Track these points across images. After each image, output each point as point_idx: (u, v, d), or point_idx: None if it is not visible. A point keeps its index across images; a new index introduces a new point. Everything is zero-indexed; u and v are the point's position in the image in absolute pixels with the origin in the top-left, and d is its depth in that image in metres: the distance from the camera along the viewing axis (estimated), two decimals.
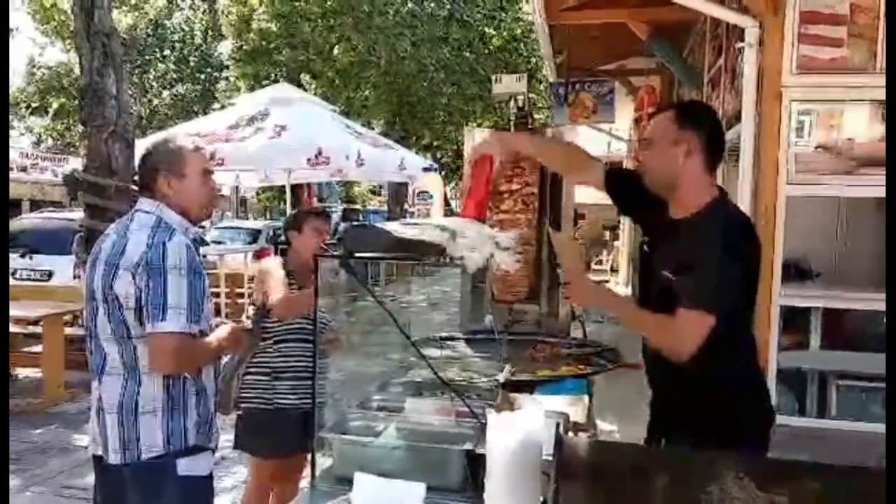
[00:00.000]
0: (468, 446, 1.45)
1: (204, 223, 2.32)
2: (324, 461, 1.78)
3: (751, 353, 2.00)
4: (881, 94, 4.10)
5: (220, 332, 2.07)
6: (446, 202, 17.70)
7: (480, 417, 1.47)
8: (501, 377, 2.00)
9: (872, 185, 4.13)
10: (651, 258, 2.00)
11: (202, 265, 1.97)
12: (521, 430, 1.16)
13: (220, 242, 12.26)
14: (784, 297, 4.21)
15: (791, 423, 4.08)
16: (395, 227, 1.55)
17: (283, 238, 3.07)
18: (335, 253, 1.61)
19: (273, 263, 2.87)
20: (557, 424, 1.20)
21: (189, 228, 2.01)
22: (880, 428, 4.09)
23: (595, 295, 1.93)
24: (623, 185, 2.14)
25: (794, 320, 4.53)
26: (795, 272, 4.60)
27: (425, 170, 10.34)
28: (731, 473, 0.92)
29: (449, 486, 1.45)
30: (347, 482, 1.42)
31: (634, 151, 11.46)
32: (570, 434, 1.58)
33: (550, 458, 1.15)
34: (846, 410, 4.43)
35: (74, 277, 7.42)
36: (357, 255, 1.50)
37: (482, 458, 1.27)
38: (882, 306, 4.38)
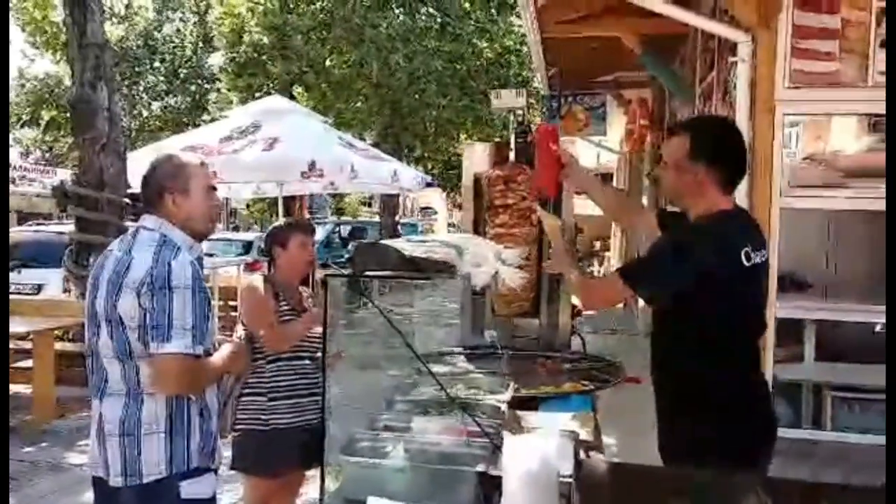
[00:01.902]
0: (481, 468, 1.43)
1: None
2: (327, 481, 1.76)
3: (745, 363, 2.02)
4: (873, 108, 4.15)
5: (223, 351, 2.05)
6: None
7: (493, 438, 1.45)
8: (507, 395, 1.99)
9: (865, 198, 4.18)
10: None
11: (206, 283, 1.95)
12: (538, 452, 1.15)
13: (211, 254, 12.20)
14: (780, 308, 4.23)
15: (786, 435, 4.09)
16: (404, 245, 1.54)
17: (266, 253, 2.94)
18: (344, 272, 1.59)
19: (259, 282, 2.78)
20: (577, 450, 1.19)
21: (193, 246, 1.99)
22: (876, 440, 4.11)
23: (565, 267, 2.17)
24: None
25: (789, 332, 4.56)
26: (789, 284, 4.63)
27: (428, 185, 10.34)
28: (754, 496, 0.92)
29: None
30: None
31: (625, 160, 11.51)
32: (581, 453, 1.57)
33: (566, 480, 1.15)
34: (841, 422, 4.45)
35: (64, 291, 7.36)
36: (367, 273, 1.49)
37: (495, 479, 1.26)
38: (875, 318, 4.43)
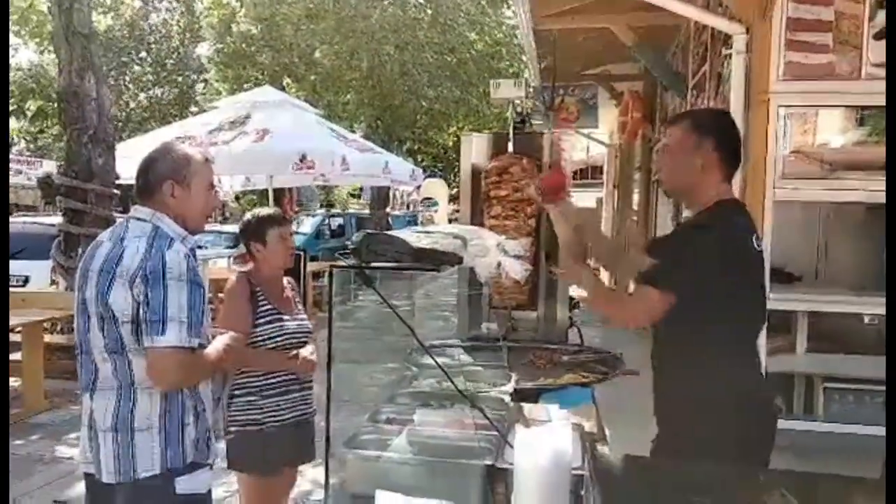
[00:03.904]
0: (488, 461, 1.42)
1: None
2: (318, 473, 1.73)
3: (753, 355, 2.02)
4: (866, 100, 4.16)
5: (218, 343, 2.00)
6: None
7: (501, 430, 1.44)
8: (509, 387, 1.97)
9: (857, 190, 4.20)
10: None
11: (200, 275, 1.90)
12: (551, 446, 1.13)
13: (200, 247, 12.09)
14: (771, 300, 4.23)
15: (779, 426, 4.11)
16: (409, 236, 1.51)
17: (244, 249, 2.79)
18: (349, 263, 1.56)
19: (238, 282, 2.67)
20: (594, 445, 1.18)
21: (186, 237, 1.94)
22: (868, 430, 4.15)
23: (585, 278, 2.05)
24: None
25: (780, 324, 4.58)
26: (780, 276, 4.65)
27: (429, 176, 10.29)
28: (776, 491, 0.91)
29: (470, 503, 1.41)
30: (363, 499, 1.38)
31: (616, 152, 11.51)
32: (587, 445, 1.55)
33: (577, 473, 1.13)
34: (833, 413, 4.48)
35: (52, 283, 7.27)
36: (373, 264, 1.46)
37: (502, 472, 1.24)
38: (866, 308, 4.46)
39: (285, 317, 2.69)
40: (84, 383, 1.92)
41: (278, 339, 2.64)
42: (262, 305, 2.64)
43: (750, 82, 4.24)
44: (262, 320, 2.63)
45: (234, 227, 15.22)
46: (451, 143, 22.87)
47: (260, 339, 2.62)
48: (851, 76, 4.11)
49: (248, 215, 2.82)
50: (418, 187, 14.05)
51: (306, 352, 2.68)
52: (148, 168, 1.96)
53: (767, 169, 4.21)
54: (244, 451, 2.62)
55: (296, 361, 2.63)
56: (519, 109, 2.87)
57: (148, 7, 22.97)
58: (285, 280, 2.82)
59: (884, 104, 3.67)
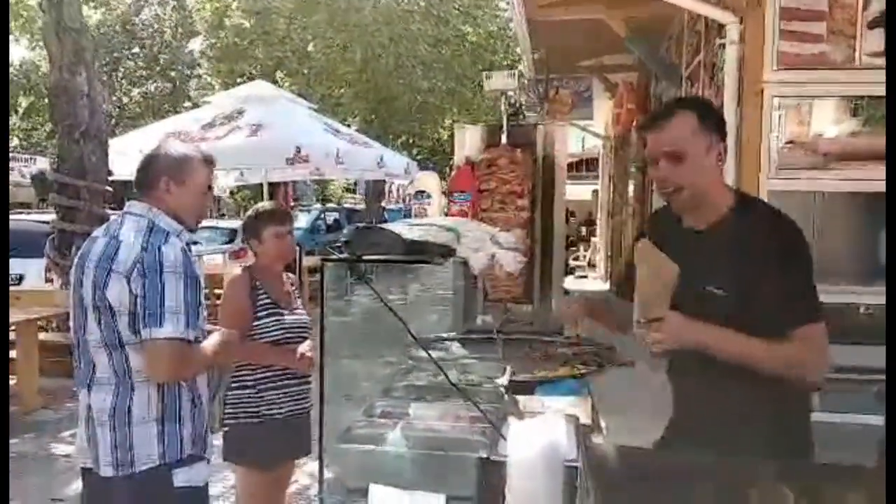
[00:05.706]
0: (483, 453, 1.41)
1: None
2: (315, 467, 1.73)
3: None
4: (860, 90, 4.16)
5: (213, 338, 2.01)
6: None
7: (496, 423, 1.43)
8: (504, 379, 1.97)
9: (852, 180, 4.21)
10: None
11: (196, 269, 1.91)
12: (544, 438, 1.13)
13: (196, 243, 12.02)
14: None
15: None
16: (402, 229, 1.51)
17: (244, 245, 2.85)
18: (342, 256, 1.56)
19: (239, 275, 2.70)
20: (588, 435, 1.18)
21: (181, 233, 1.95)
22: (863, 419, 4.16)
23: (692, 329, 1.60)
24: None
25: None
26: None
27: (423, 169, 10.28)
28: (773, 480, 0.90)
29: (464, 496, 1.41)
30: (358, 493, 1.38)
31: (611, 146, 11.49)
32: (581, 436, 1.55)
33: (571, 464, 1.13)
34: (829, 403, 4.48)
35: (46, 281, 7.25)
36: (366, 257, 1.46)
37: (496, 465, 1.24)
38: (862, 299, 4.48)
39: (284, 311, 2.70)
40: (81, 377, 1.94)
41: (276, 333, 2.66)
42: (262, 300, 2.66)
43: (743, 72, 4.24)
44: (261, 314, 2.64)
45: (229, 223, 15.19)
46: (446, 137, 22.85)
47: (259, 333, 2.63)
48: (845, 66, 4.11)
49: (250, 211, 2.86)
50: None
51: (304, 348, 2.69)
52: (147, 163, 1.98)
53: (762, 160, 4.21)
54: (241, 444, 2.63)
55: (293, 357, 2.64)
56: (513, 101, 2.86)
57: (140, 1, 22.80)
58: (286, 275, 2.84)
59: (878, 94, 3.66)
